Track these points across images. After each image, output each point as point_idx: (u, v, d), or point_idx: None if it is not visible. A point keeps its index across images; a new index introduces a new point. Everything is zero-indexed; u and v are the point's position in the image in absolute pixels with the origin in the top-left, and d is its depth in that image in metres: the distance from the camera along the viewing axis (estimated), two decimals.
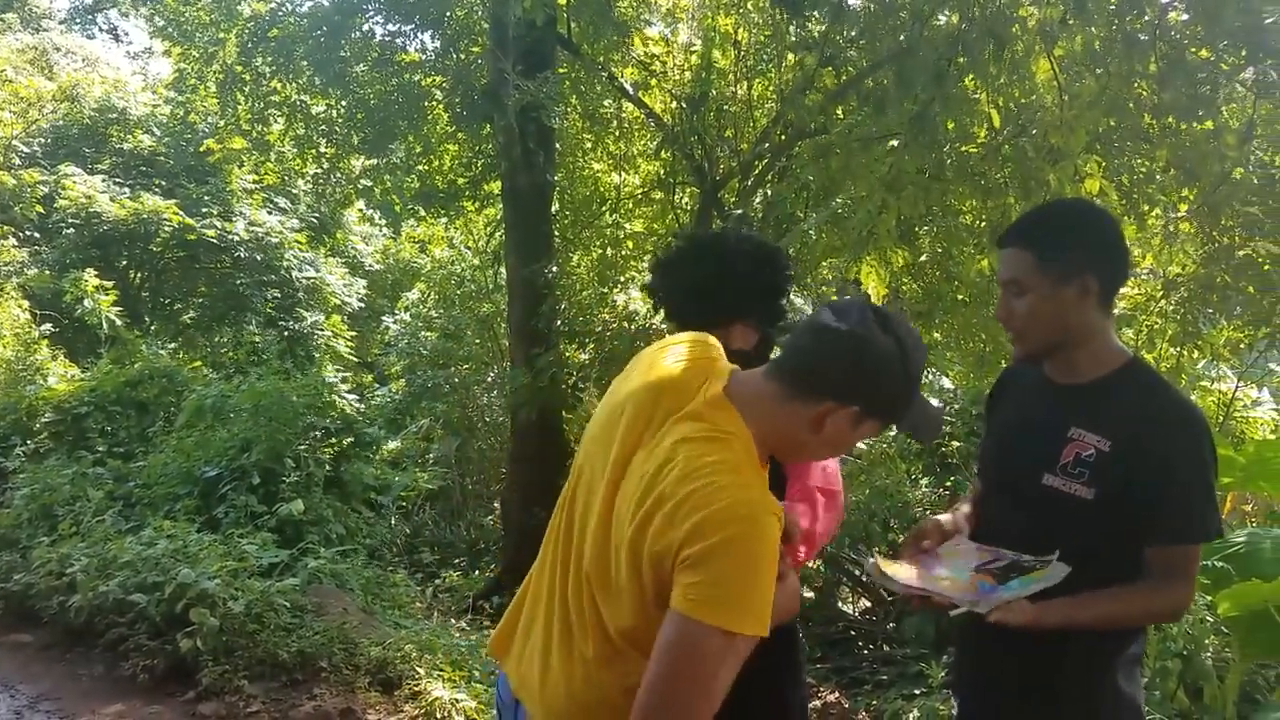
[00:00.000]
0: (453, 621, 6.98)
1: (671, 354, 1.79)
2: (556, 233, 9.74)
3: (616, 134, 10.43)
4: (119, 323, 11.80)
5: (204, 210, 13.72)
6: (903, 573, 2.03)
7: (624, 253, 10.19)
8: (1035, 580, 1.89)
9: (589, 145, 10.68)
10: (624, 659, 1.63)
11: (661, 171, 9.92)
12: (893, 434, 9.96)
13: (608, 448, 1.70)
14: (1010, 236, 2.07)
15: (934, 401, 1.77)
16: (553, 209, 9.55)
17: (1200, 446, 1.92)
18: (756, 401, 1.64)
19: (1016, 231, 2.07)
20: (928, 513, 7.35)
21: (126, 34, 33.91)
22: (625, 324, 9.14)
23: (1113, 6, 4.90)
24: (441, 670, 4.86)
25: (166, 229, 13.27)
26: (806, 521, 2.24)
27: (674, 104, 9.41)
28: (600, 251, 10.39)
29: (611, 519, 1.63)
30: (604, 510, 1.66)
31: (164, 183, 14.28)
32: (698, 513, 1.47)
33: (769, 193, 8.80)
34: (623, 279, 9.97)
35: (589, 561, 1.67)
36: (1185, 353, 6.71)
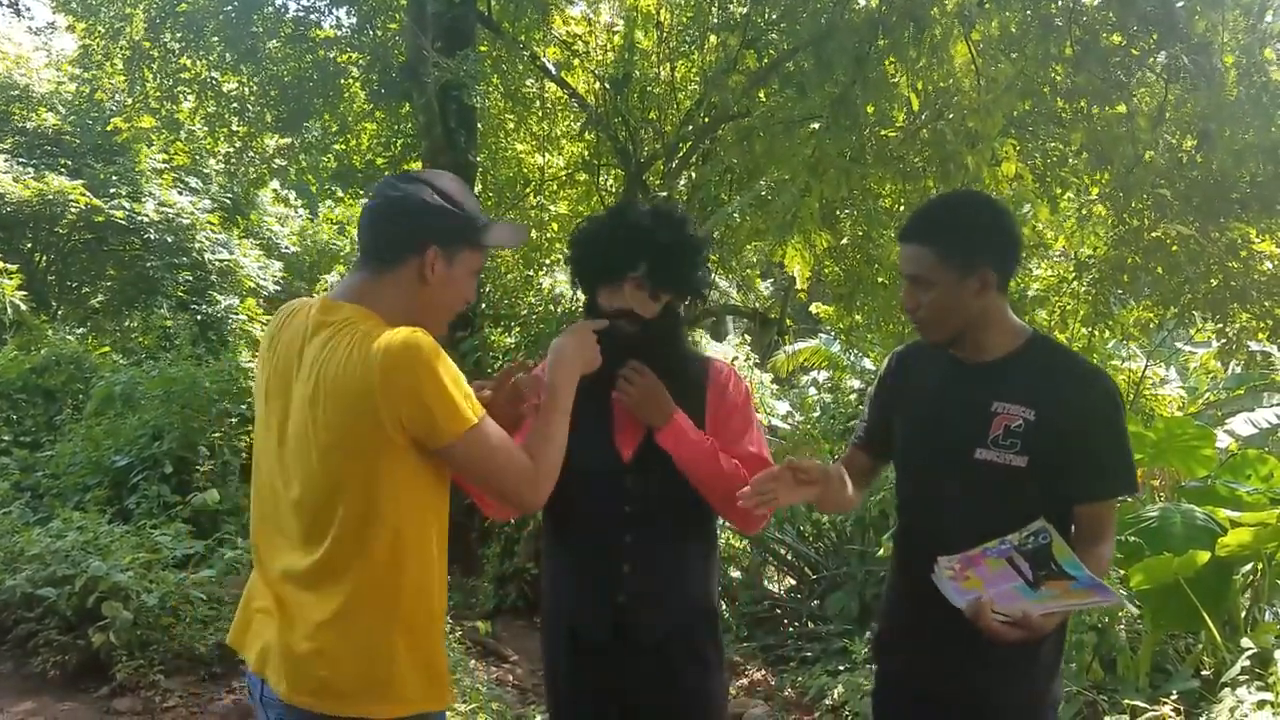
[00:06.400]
0: None
1: None
2: None
3: (540, 114, 10.31)
4: (24, 308, 11.37)
5: (112, 191, 13.23)
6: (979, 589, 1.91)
7: (549, 235, 10.11)
8: (1068, 557, 1.88)
9: (512, 126, 10.54)
10: None
11: (586, 153, 9.85)
12: (816, 414, 10.09)
13: None
14: (910, 233, 2.11)
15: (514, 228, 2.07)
16: (475, 190, 9.42)
17: (1114, 403, 2.06)
18: (366, 293, 1.81)
19: (916, 228, 2.12)
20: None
21: (28, 8, 32.64)
22: (551, 307, 9.08)
23: None
24: None
25: (73, 210, 12.81)
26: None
27: (597, 85, 9.34)
28: None
29: None
30: None
31: (70, 162, 13.74)
32: None
33: (693, 175, 8.79)
34: (548, 262, 9.89)
35: None
36: (1096, 333, 6.88)
